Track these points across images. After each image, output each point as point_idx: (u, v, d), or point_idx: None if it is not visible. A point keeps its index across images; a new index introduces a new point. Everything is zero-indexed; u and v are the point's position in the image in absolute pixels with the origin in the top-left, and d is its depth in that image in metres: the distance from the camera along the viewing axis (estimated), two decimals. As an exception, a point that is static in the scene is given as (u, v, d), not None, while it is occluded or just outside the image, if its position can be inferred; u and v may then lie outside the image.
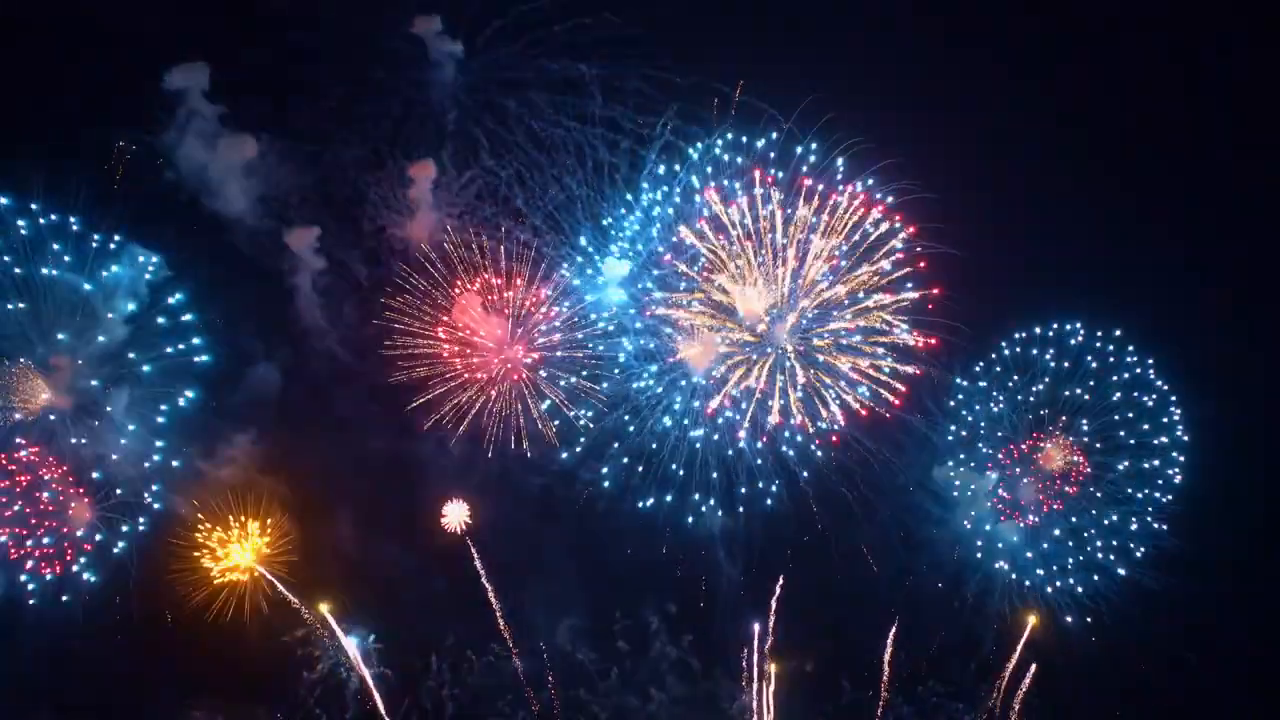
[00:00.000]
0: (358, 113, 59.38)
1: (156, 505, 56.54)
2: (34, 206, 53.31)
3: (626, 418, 61.04)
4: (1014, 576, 64.35)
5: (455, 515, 61.24)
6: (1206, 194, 66.46)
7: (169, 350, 55.51)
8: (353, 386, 59.87)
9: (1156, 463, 64.04)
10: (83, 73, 56.90)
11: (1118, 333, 64.08)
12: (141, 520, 56.17)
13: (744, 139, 58.66)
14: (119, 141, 56.92)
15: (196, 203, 57.04)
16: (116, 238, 54.56)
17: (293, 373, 58.73)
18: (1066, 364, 63.97)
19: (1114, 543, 63.85)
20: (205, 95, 56.64)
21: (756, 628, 62.84)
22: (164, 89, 56.63)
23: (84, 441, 55.09)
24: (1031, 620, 63.74)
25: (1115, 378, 63.86)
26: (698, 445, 60.74)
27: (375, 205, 59.48)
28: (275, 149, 57.79)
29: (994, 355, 64.38)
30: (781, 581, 62.97)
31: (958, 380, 63.53)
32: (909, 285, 59.32)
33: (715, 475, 60.97)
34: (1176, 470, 63.94)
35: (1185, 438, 63.90)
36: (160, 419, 55.88)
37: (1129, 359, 64.05)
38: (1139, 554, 63.89)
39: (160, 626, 57.21)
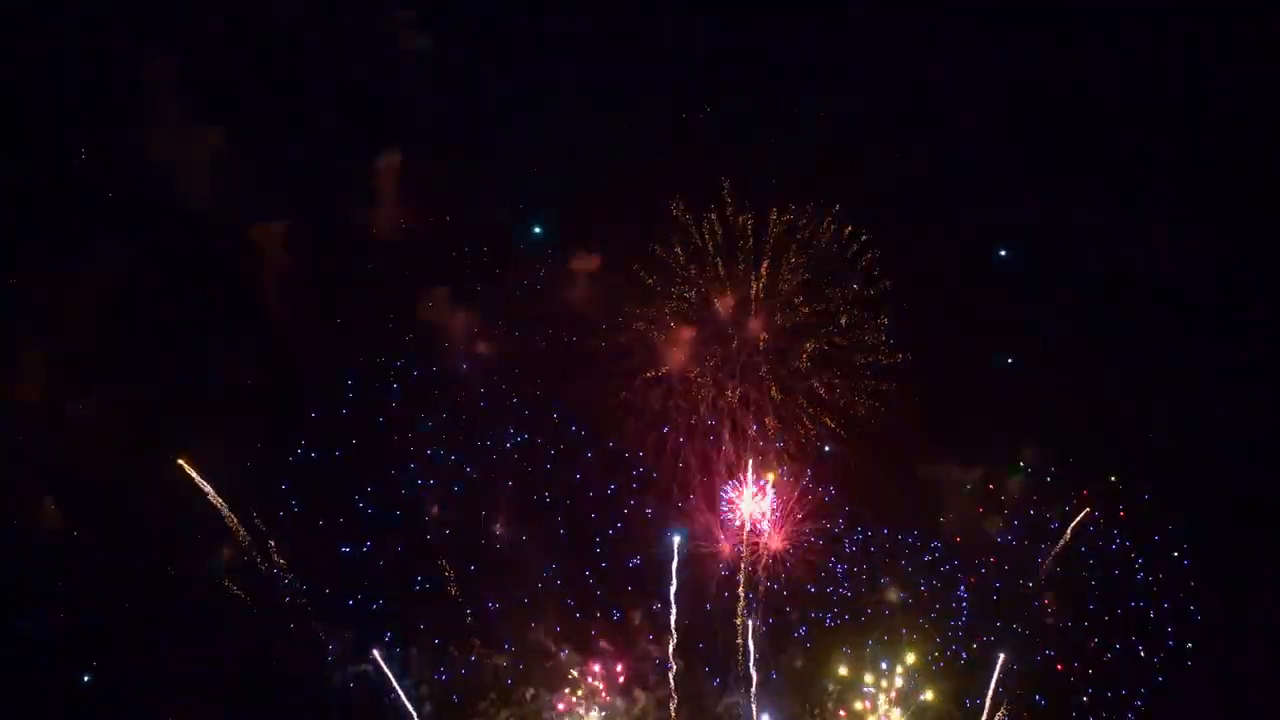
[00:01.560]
0: (325, 105, 58.26)
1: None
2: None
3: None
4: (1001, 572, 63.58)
5: None
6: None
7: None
8: (318, 383, 59.55)
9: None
10: (47, 62, 55.89)
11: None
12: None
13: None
14: (84, 132, 55.49)
15: (162, 196, 56.10)
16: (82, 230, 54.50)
17: (262, 369, 58.15)
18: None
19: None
20: (169, 86, 55.69)
21: (742, 627, 62.25)
22: (130, 80, 56.08)
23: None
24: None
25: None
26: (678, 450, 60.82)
27: (341, 198, 59.63)
28: (242, 142, 57.63)
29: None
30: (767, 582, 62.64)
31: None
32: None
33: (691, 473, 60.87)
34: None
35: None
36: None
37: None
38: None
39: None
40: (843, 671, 62.62)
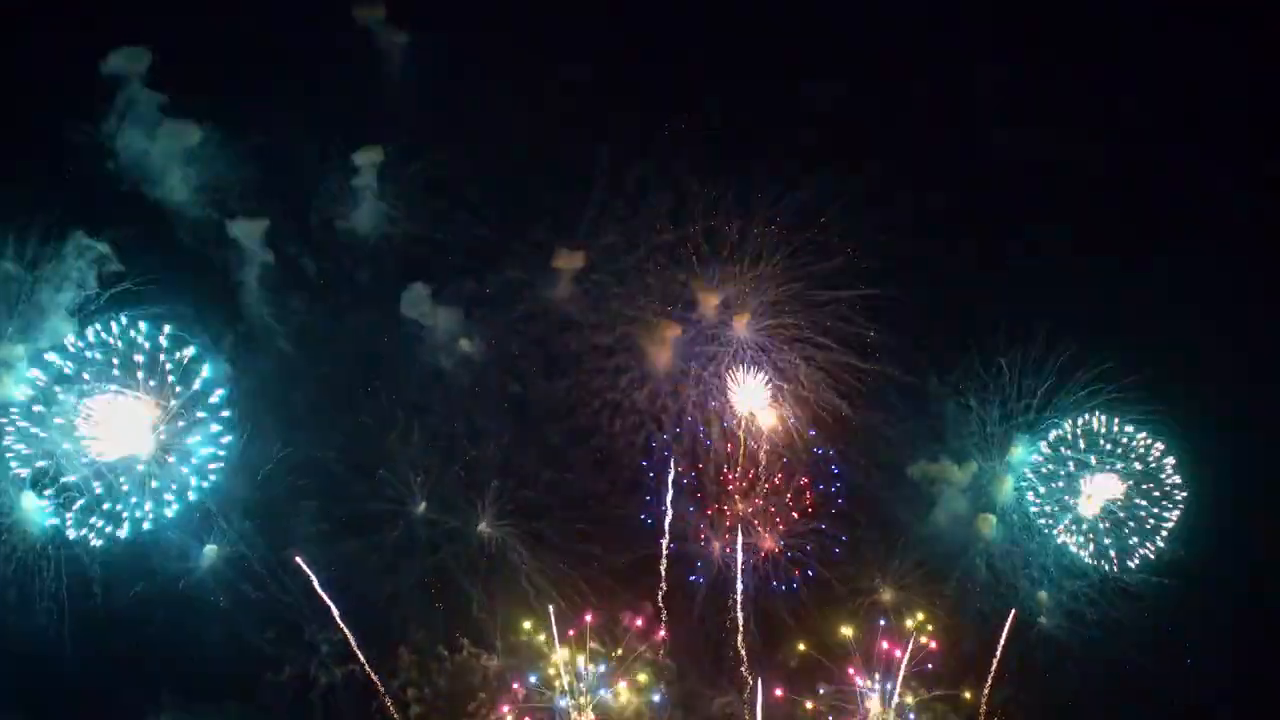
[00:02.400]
0: (301, 102, 58.30)
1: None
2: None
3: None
4: (992, 573, 63.64)
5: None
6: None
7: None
8: (302, 383, 59.16)
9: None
10: (17, 56, 55.43)
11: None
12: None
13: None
14: (57, 129, 55.36)
15: (138, 192, 55.98)
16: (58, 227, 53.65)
17: (239, 369, 57.14)
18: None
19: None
20: (145, 82, 55.47)
21: (738, 627, 62.27)
22: (103, 74, 55.37)
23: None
24: (1010, 618, 62.53)
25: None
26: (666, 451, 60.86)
27: (321, 196, 58.89)
28: (218, 138, 56.76)
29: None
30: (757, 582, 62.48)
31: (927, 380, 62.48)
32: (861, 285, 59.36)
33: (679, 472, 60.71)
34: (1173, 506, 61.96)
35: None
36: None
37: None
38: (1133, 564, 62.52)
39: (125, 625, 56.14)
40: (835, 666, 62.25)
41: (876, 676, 61.34)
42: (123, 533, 54.16)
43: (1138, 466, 61.46)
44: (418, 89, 59.49)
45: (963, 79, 62.97)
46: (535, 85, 59.42)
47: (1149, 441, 61.18)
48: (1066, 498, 62.38)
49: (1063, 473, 62.32)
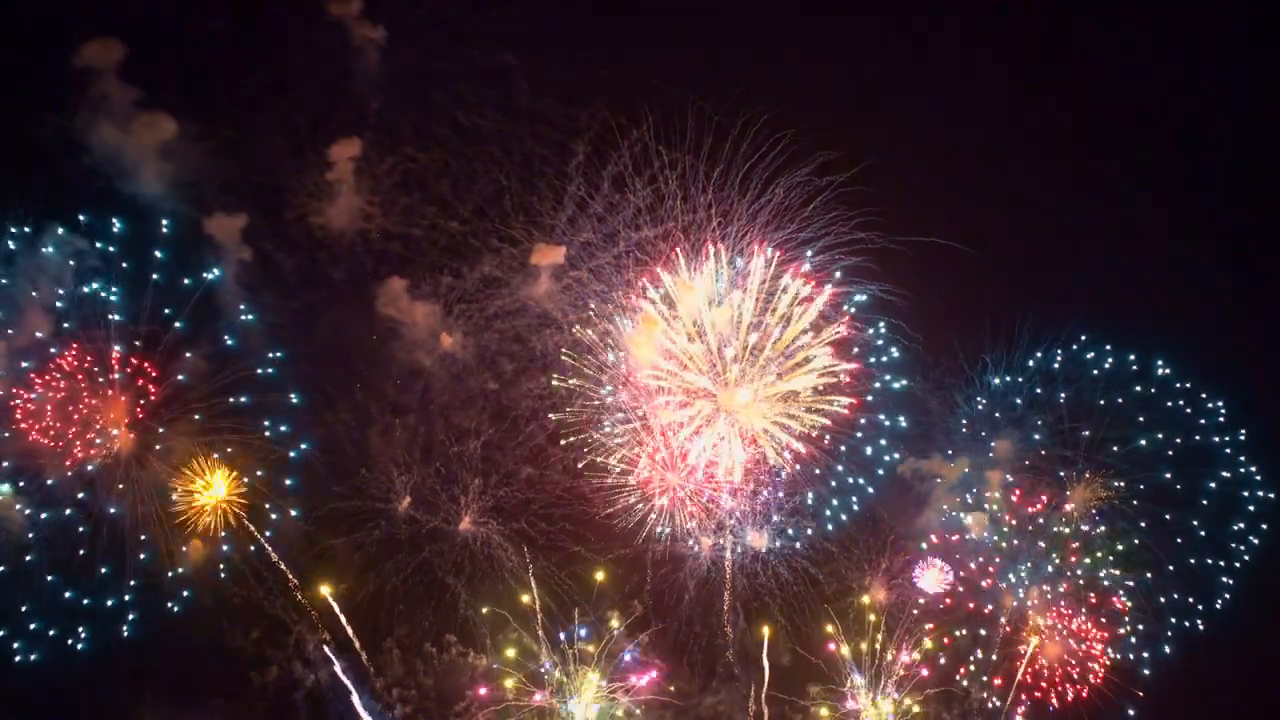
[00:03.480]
0: (277, 98, 58.07)
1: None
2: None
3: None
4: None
5: None
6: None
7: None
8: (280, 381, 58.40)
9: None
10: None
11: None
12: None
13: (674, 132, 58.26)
14: (30, 123, 54.88)
15: (111, 188, 55.41)
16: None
17: (220, 365, 57.09)
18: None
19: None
20: (118, 76, 54.90)
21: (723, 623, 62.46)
22: (75, 67, 54.78)
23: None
24: (1005, 611, 62.68)
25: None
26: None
27: (295, 192, 58.59)
28: (192, 133, 56.28)
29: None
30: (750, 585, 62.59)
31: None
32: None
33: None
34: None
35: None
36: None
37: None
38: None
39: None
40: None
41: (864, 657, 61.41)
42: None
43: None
44: (393, 84, 59.21)
45: (944, 72, 63.06)
46: (511, 80, 59.14)
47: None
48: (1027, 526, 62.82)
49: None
